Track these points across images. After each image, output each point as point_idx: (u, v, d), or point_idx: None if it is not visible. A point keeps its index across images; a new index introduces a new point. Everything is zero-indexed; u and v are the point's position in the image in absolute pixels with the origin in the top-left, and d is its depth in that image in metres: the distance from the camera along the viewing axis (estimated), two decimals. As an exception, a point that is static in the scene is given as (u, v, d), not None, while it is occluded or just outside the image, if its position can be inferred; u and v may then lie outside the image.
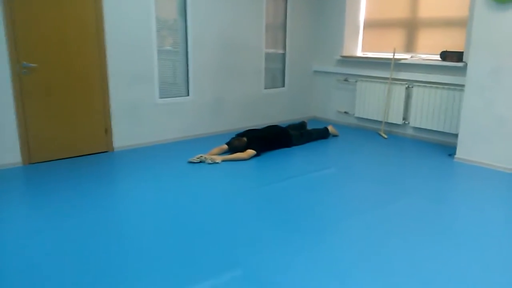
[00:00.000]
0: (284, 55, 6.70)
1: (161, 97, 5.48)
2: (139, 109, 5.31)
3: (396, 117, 6.01)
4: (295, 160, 4.90)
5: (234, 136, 5.22)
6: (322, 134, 5.83)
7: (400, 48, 6.12)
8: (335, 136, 6.01)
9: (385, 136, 5.98)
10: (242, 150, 4.96)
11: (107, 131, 5.13)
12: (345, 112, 6.76)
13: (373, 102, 6.24)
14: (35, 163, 4.67)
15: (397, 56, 6.03)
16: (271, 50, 6.53)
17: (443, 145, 5.59)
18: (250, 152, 4.91)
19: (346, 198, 3.82)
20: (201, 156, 4.76)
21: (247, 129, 5.43)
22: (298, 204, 3.63)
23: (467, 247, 2.97)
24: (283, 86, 6.80)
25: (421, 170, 4.60)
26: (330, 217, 3.41)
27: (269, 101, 6.65)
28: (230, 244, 2.97)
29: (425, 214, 3.48)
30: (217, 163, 4.73)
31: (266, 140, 5.19)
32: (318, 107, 7.21)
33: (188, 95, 5.73)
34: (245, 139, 5.07)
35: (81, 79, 4.83)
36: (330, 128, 5.93)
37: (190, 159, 4.76)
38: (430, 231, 3.19)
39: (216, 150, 5.04)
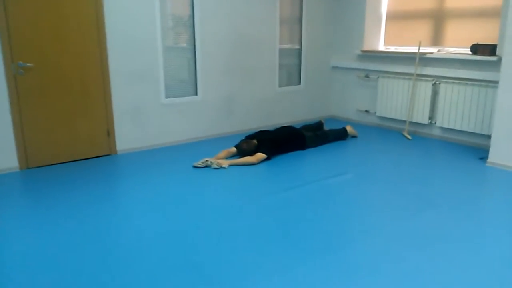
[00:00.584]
0: (300, 50, 6.30)
1: (167, 97, 5.17)
2: (143, 110, 5.01)
3: (421, 117, 5.53)
4: (308, 165, 4.51)
5: (243, 138, 4.87)
6: (339, 135, 5.42)
7: (426, 42, 5.63)
8: (354, 137, 5.59)
9: (409, 137, 5.51)
10: (252, 153, 4.61)
11: (110, 133, 4.85)
12: (366, 111, 6.31)
13: (396, 100, 5.77)
14: (33, 167, 4.42)
15: (423, 50, 5.54)
16: (286, 46, 6.14)
17: (474, 148, 5.09)
18: (260, 156, 4.54)
19: (362, 209, 3.41)
20: (206, 161, 4.43)
21: (258, 130, 5.06)
22: (308, 217, 3.25)
23: (503, 268, 2.53)
24: (299, 83, 6.40)
25: (449, 176, 4.14)
26: (343, 233, 3.01)
27: (284, 100, 6.26)
28: (225, 268, 2.61)
29: (454, 229, 3.05)
30: (224, 168, 4.38)
31: (278, 142, 4.81)
32: (336, 105, 6.78)
33: (196, 94, 5.40)
34: (255, 141, 4.71)
35: (81, 79, 4.56)
36: (348, 128, 5.51)
37: (195, 164, 4.43)
38: (461, 250, 2.76)
39: (223, 153, 4.70)
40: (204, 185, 3.95)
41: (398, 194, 3.69)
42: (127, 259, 2.70)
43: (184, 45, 5.21)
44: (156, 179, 4.10)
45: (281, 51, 6.07)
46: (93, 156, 4.81)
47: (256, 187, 3.89)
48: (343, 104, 6.66)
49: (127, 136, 4.96)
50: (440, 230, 3.04)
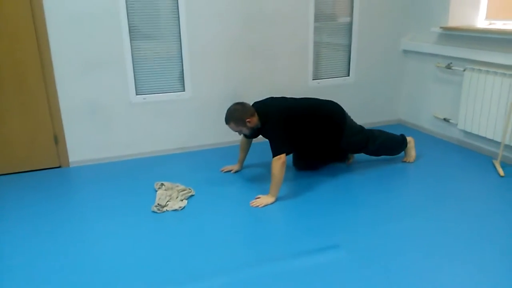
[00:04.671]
0: (350, 25, 4.38)
1: (138, 93, 3.83)
2: (104, 111, 3.76)
3: (528, 139, 3.35)
4: (306, 211, 2.81)
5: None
6: (394, 147, 3.57)
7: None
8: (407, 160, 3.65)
9: (502, 172, 3.37)
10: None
11: (58, 139, 3.71)
12: (445, 120, 4.20)
13: (490, 107, 3.61)
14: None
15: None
16: (326, 18, 4.28)
17: None
18: (276, 165, 2.90)
19: None
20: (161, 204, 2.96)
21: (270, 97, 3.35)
22: None
23: None
24: (347, 74, 4.50)
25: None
26: None
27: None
28: None
29: None
30: (176, 210, 2.92)
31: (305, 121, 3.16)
32: (405, 107, 4.72)
33: (183, 89, 3.95)
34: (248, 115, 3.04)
35: (13, 71, 3.46)
36: (410, 142, 3.60)
37: (153, 208, 2.94)
38: None
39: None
40: (148, 235, 2.56)
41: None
42: None
43: (162, 19, 3.76)
44: (112, 206, 3.01)
45: (319, 26, 4.24)
46: (37, 168, 3.73)
47: (187, 261, 2.37)
48: (414, 106, 4.59)
49: (83, 144, 3.78)
50: None
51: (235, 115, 3.01)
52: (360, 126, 3.41)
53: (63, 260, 2.38)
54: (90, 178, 3.52)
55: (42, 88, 3.55)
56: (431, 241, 2.47)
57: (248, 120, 3.01)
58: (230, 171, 3.53)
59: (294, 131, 3.08)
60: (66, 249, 2.49)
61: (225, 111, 3.10)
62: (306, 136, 3.18)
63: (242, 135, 3.32)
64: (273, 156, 2.93)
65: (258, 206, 2.93)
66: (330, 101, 3.38)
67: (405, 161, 3.63)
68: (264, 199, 2.96)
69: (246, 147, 3.48)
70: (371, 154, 3.50)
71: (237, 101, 3.18)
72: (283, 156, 2.91)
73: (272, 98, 3.29)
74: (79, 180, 3.51)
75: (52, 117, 3.65)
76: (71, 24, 3.47)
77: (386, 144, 3.50)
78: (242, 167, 3.56)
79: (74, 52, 3.54)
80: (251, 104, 3.15)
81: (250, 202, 2.98)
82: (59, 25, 3.44)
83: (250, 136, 3.30)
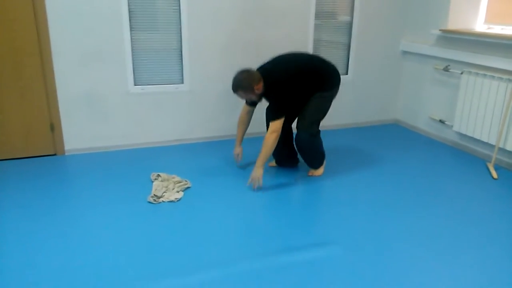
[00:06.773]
0: (350, 24, 4.39)
1: (137, 84, 3.82)
2: (102, 100, 3.75)
3: (522, 143, 3.39)
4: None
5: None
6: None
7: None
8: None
9: (495, 175, 3.42)
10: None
11: (54, 127, 3.70)
12: (441, 121, 4.24)
13: (485, 111, 3.65)
14: None
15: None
16: (326, 16, 4.30)
17: None
18: (273, 137, 2.95)
19: None
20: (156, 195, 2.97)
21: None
22: None
23: None
24: (345, 73, 4.52)
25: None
26: None
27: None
28: None
29: None
30: (172, 201, 2.93)
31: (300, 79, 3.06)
32: (402, 107, 4.75)
33: (182, 82, 3.95)
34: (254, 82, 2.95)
35: (11, 58, 3.43)
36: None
37: (150, 198, 2.94)
38: None
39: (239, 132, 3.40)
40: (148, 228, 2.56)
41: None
42: None
43: (163, 11, 3.75)
44: (107, 197, 2.97)
45: (319, 24, 4.26)
46: (33, 155, 3.72)
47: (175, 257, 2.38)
48: (412, 106, 4.62)
49: (79, 133, 3.77)
50: None
51: (244, 83, 2.94)
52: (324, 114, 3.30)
53: (56, 247, 2.38)
54: (86, 166, 3.52)
55: (40, 76, 3.54)
56: (425, 239, 2.50)
57: (256, 87, 2.95)
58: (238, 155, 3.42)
59: (294, 89, 3.03)
60: (60, 236, 2.49)
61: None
62: (302, 89, 3.09)
63: (244, 103, 3.28)
64: (271, 120, 2.94)
65: (256, 182, 3.02)
66: (336, 70, 3.27)
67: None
68: (257, 175, 3.02)
69: (247, 119, 3.31)
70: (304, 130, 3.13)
71: (242, 69, 3.05)
72: (278, 127, 2.93)
73: (274, 60, 3.17)
74: (75, 168, 3.50)
75: (49, 105, 3.63)
76: (71, 13, 3.45)
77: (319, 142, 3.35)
78: (241, 145, 3.41)
79: (73, 41, 3.52)
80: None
81: (247, 184, 3.11)
82: (59, 13, 3.42)
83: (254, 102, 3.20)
